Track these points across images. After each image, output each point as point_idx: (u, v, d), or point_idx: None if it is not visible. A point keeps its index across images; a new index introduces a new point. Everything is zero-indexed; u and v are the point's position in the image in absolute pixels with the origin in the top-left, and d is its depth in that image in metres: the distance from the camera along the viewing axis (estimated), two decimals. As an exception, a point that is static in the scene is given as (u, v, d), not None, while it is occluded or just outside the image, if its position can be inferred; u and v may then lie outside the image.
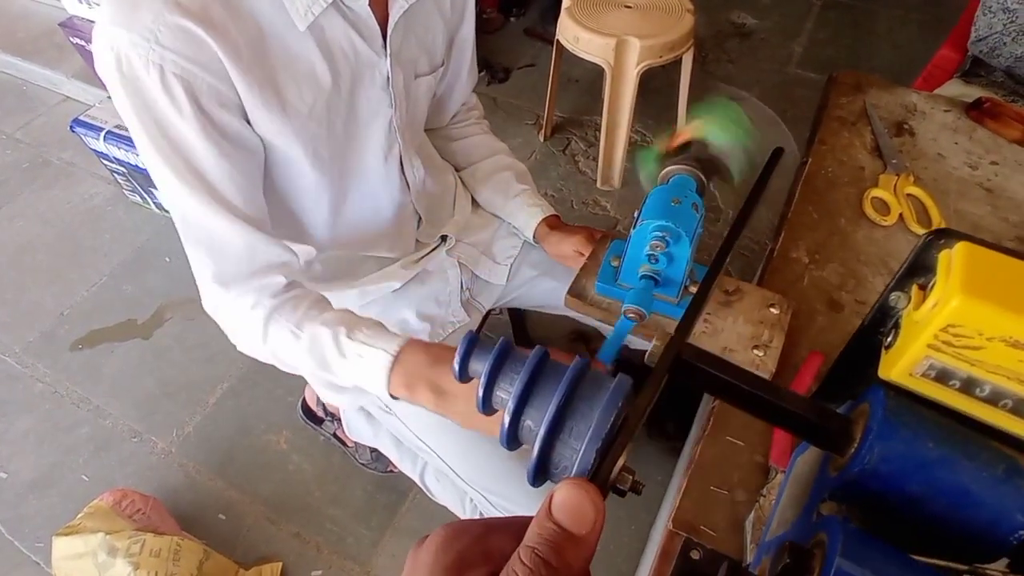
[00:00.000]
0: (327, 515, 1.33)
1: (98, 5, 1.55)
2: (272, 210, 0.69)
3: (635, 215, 0.59)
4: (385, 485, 1.35)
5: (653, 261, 0.59)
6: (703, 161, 0.60)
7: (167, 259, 1.84)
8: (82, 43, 1.62)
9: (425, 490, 1.03)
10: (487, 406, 0.29)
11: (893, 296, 0.35)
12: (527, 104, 2.24)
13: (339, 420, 1.26)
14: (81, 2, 1.57)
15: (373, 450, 1.30)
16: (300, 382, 1.45)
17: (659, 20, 1.66)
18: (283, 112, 0.61)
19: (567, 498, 0.22)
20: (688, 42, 1.69)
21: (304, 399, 1.38)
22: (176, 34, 0.52)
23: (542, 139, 2.11)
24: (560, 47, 1.78)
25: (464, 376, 0.30)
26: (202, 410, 1.52)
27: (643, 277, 0.60)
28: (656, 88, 2.11)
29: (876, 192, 0.79)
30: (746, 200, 0.36)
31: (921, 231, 0.75)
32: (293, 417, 1.43)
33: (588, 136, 2.12)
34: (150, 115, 0.55)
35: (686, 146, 0.62)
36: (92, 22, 1.61)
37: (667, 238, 0.56)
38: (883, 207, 0.78)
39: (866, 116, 0.90)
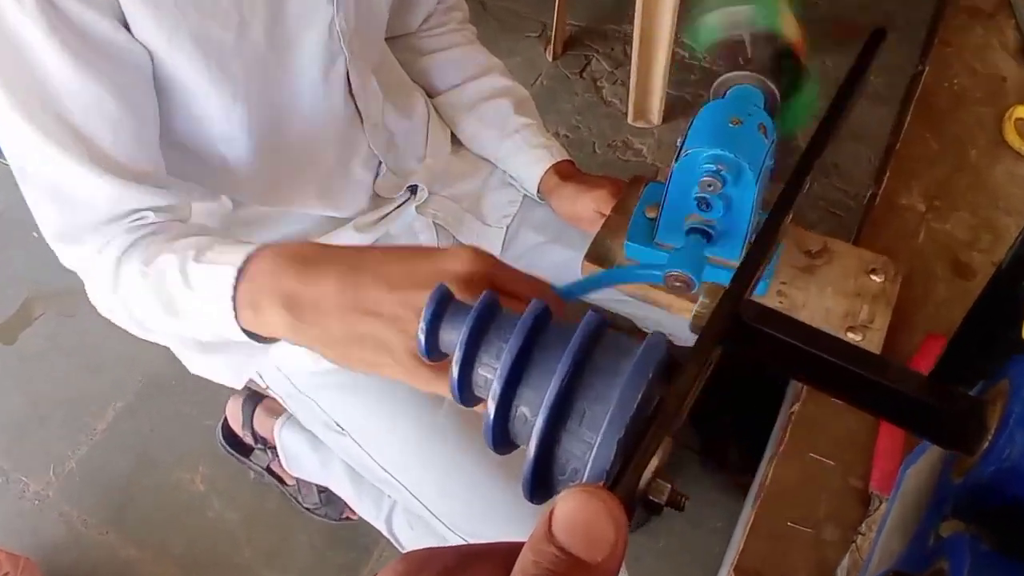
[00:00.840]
0: (262, 580, 1.34)
1: None
2: (168, 162, 0.69)
3: (678, 143, 0.59)
4: (339, 538, 1.36)
5: (704, 208, 0.59)
6: (772, 65, 0.60)
7: (35, 234, 1.84)
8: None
9: (394, 541, 1.05)
10: (465, 392, 0.29)
11: None
12: (529, 9, 2.25)
13: (274, 449, 1.27)
14: None
15: (322, 489, 1.31)
16: (219, 398, 1.46)
17: None
18: (174, 7, 0.61)
19: (575, 511, 0.21)
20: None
21: (225, 419, 1.40)
22: None
23: (550, 57, 2.12)
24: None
25: (433, 351, 0.30)
26: (88, 439, 1.53)
27: (691, 231, 0.61)
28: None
29: (1022, 111, 0.80)
30: (833, 101, 0.35)
31: (1085, 165, 0.76)
32: (211, 445, 1.45)
33: (615, 53, 2.13)
34: None
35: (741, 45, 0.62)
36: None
37: (723, 173, 0.56)
38: (1032, 133, 0.79)
39: (1009, 5, 0.91)
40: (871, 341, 0.64)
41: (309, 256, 0.52)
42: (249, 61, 0.69)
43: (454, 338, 0.28)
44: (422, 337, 0.30)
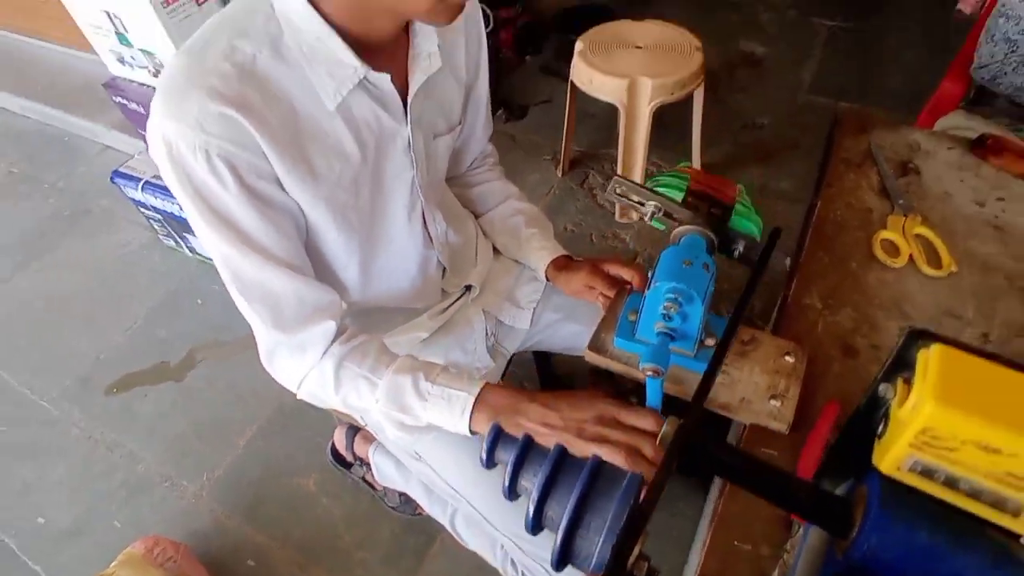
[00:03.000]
0: (356, 559, 1.34)
1: (140, 67, 1.64)
2: None
3: (649, 275, 0.61)
4: (413, 528, 1.36)
5: (668, 320, 0.61)
6: (713, 219, 0.62)
7: (199, 301, 1.91)
8: (124, 101, 1.72)
9: (456, 536, 1.04)
10: (512, 493, 0.31)
11: (882, 387, 0.36)
12: (545, 140, 2.29)
13: (368, 465, 1.28)
14: (124, 64, 1.67)
15: (401, 494, 1.32)
16: (328, 423, 1.48)
17: (669, 59, 1.71)
18: (314, 183, 0.66)
19: None
20: (699, 78, 1.72)
21: (333, 443, 1.41)
22: (218, 120, 0.58)
23: (560, 174, 2.14)
24: (575, 87, 1.83)
25: (491, 463, 0.33)
26: (232, 452, 1.55)
27: (659, 334, 0.62)
28: (669, 120, 2.13)
29: (885, 234, 0.80)
30: (746, 285, 0.39)
31: (932, 272, 0.76)
32: (322, 459, 1.46)
33: (605, 169, 2.16)
34: (199, 192, 0.61)
35: (698, 203, 0.65)
36: (133, 82, 1.70)
37: (679, 299, 0.58)
38: (893, 249, 0.79)
39: (871, 156, 0.92)
40: (788, 407, 0.64)
41: (515, 394, 0.67)
42: (360, 212, 0.73)
43: (505, 458, 0.32)
44: (483, 456, 0.33)
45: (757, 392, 0.66)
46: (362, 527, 1.39)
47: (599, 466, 0.29)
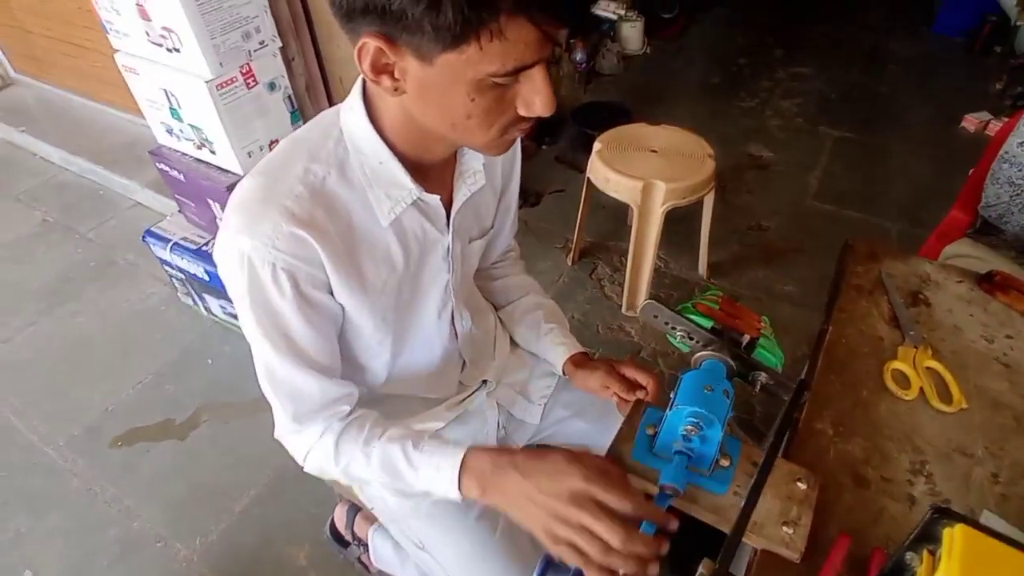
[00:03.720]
0: (343, 643, 1.29)
1: (186, 139, 1.72)
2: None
3: (671, 396, 0.63)
4: (404, 615, 1.31)
5: (687, 440, 0.62)
6: (732, 347, 0.64)
7: (209, 361, 1.92)
8: (166, 168, 1.80)
9: None
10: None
11: (908, 555, 0.37)
12: (557, 228, 2.34)
13: (366, 545, 1.25)
14: (171, 135, 1.76)
15: (395, 579, 1.27)
16: (328, 493, 1.45)
17: (683, 164, 1.79)
18: (363, 290, 0.70)
19: None
20: (710, 184, 1.80)
21: (333, 520, 1.38)
22: (289, 239, 0.62)
23: (570, 263, 2.19)
24: (590, 183, 1.90)
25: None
26: (228, 517, 1.52)
27: (677, 452, 0.63)
28: (679, 219, 2.20)
29: (896, 364, 0.81)
30: (776, 431, 0.40)
31: (943, 407, 0.77)
32: (317, 530, 1.42)
33: (614, 261, 2.20)
34: (259, 298, 0.65)
35: (723, 330, 0.67)
36: (177, 151, 1.79)
37: (701, 423, 0.60)
38: (904, 380, 0.80)
39: (882, 285, 0.95)
40: (799, 535, 0.63)
41: (496, 459, 0.66)
42: (398, 311, 0.76)
43: None
44: None
45: (770, 517, 0.65)
46: (353, 610, 1.33)
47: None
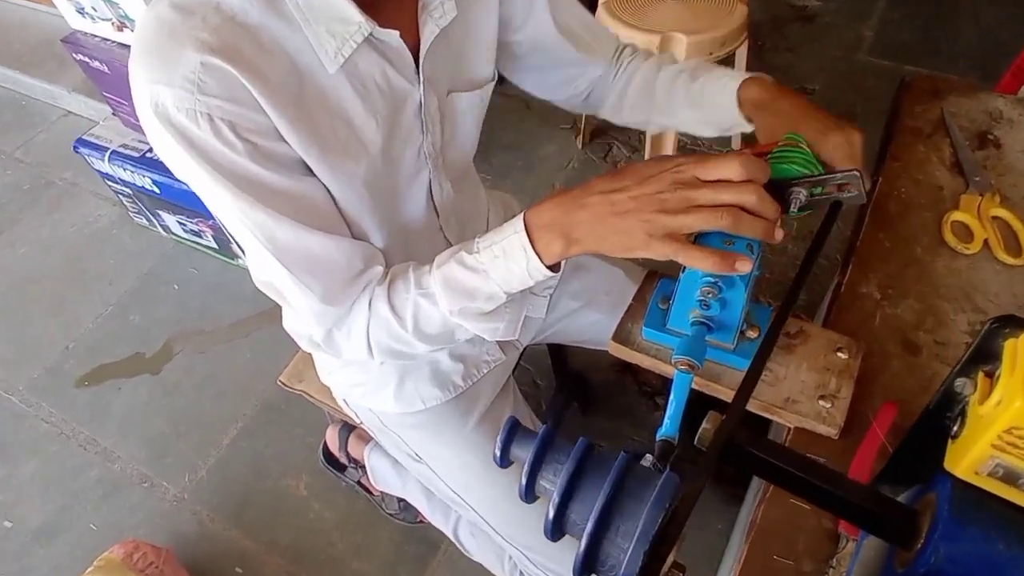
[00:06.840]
0: (351, 568, 1.37)
1: (102, 19, 1.64)
2: None
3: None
4: (414, 536, 1.39)
5: (704, 307, 0.61)
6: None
7: (175, 287, 1.93)
8: (86, 59, 1.71)
9: (459, 545, 1.06)
10: (530, 495, 0.32)
11: (959, 382, 0.36)
12: (562, 106, 2.27)
13: (363, 467, 1.30)
14: (84, 15, 1.66)
15: (401, 500, 1.34)
16: (318, 421, 1.50)
17: (708, 12, 1.68)
18: (321, 149, 0.65)
19: None
20: (742, 35, 1.70)
21: (325, 443, 1.43)
22: (214, 76, 0.57)
23: (580, 145, 2.14)
24: (597, 45, 1.81)
25: (505, 462, 0.33)
26: (215, 452, 1.59)
27: (694, 323, 0.62)
28: (706, 84, 2.13)
29: (957, 215, 0.80)
30: (803, 261, 0.39)
31: (1011, 260, 0.76)
32: (313, 460, 1.48)
33: (632, 140, 2.15)
34: (211, 159, 0.60)
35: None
36: (95, 37, 1.70)
37: (719, 284, 0.58)
38: (965, 232, 0.79)
39: (944, 126, 0.91)
40: (839, 408, 0.64)
41: (558, 198, 0.61)
42: (369, 179, 0.72)
43: (521, 455, 0.32)
44: (497, 452, 0.33)
45: (804, 391, 0.66)
46: (357, 534, 1.41)
47: (629, 465, 0.29)
